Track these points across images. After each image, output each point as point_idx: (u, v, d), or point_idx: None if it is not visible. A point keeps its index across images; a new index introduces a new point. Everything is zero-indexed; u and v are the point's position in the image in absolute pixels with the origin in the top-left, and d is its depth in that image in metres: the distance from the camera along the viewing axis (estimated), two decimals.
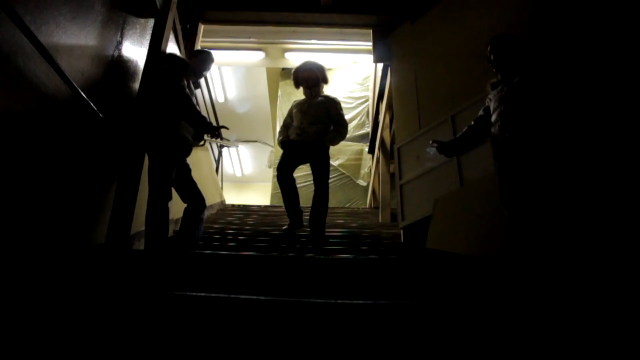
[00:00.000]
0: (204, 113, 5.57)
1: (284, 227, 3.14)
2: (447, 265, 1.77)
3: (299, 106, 3.25)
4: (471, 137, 2.39)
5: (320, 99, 3.21)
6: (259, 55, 5.66)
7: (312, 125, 3.10)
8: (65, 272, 1.62)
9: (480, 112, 2.36)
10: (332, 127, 3.17)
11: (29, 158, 1.60)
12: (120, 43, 2.43)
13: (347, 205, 6.78)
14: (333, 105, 3.21)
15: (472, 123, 2.39)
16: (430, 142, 2.51)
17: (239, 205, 5.82)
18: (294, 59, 5.84)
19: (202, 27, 4.32)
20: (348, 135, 7.94)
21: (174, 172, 2.51)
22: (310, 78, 3.21)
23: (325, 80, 3.28)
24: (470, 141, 2.41)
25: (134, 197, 2.31)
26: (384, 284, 1.58)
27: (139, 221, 2.56)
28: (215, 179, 5.41)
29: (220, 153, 6.47)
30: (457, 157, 3.00)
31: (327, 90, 7.47)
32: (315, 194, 3.08)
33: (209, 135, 2.73)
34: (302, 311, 1.11)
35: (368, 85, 7.24)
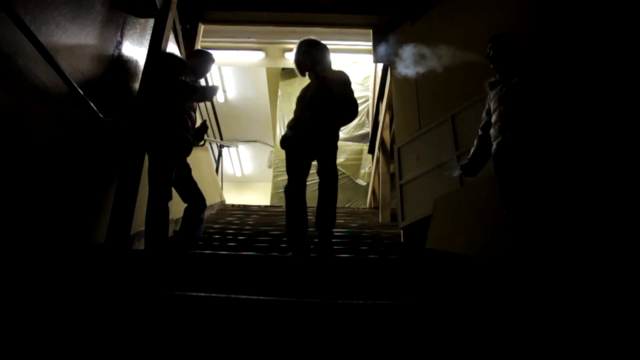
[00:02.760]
0: (204, 113, 5.60)
1: (288, 254, 2.35)
2: (447, 265, 1.77)
3: (299, 94, 2.73)
4: (486, 147, 2.31)
5: (320, 77, 2.61)
6: (259, 55, 5.66)
7: (306, 112, 2.51)
8: (65, 272, 1.62)
9: (484, 116, 2.35)
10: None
11: (29, 158, 1.60)
12: (120, 43, 2.43)
13: (347, 205, 6.78)
14: (337, 80, 2.56)
15: (480, 132, 2.36)
16: (458, 166, 2.49)
17: (239, 205, 5.82)
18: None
19: (202, 27, 4.32)
20: (348, 136, 7.92)
21: (174, 171, 2.51)
22: (302, 60, 2.69)
23: (313, 57, 2.66)
24: (486, 151, 2.31)
25: (134, 197, 2.31)
26: (384, 284, 1.58)
27: (139, 221, 2.56)
28: (215, 179, 5.42)
29: (220, 153, 6.47)
30: (457, 157, 3.00)
31: None
32: (321, 189, 2.47)
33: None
34: (302, 311, 1.11)
35: (368, 85, 7.24)
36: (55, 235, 1.81)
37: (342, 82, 2.57)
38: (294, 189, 2.46)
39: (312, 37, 2.76)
